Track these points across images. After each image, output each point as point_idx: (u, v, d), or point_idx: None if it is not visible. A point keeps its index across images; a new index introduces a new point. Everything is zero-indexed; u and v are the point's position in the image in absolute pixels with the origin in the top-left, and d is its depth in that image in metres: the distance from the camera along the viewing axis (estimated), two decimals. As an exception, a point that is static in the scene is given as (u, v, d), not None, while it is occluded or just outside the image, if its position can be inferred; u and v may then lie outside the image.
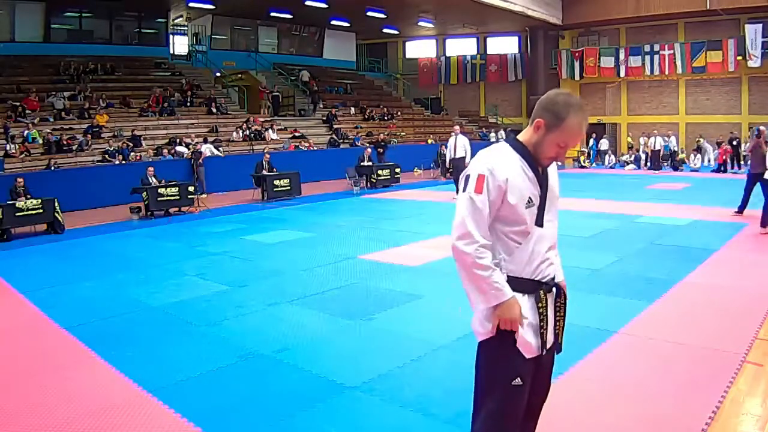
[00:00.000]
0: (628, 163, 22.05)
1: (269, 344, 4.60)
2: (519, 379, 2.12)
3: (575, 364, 4.01)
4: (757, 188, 9.24)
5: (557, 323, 2.24)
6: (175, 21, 24.09)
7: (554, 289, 2.22)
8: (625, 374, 3.87)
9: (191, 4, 21.41)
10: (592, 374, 3.90)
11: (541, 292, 2.16)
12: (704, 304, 5.32)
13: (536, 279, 2.16)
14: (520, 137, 2.20)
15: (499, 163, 2.11)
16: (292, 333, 4.86)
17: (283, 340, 4.70)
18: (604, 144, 23.92)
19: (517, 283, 2.12)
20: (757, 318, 4.80)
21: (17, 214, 10.12)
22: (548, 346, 2.18)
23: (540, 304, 2.15)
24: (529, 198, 2.12)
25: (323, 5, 21.56)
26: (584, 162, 23.04)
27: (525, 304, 2.13)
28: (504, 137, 2.26)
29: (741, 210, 10.03)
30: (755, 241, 8.04)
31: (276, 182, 14.24)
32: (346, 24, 26.70)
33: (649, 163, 21.26)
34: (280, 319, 5.24)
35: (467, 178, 2.11)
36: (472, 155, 15.72)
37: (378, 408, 3.53)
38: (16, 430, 3.36)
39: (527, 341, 2.13)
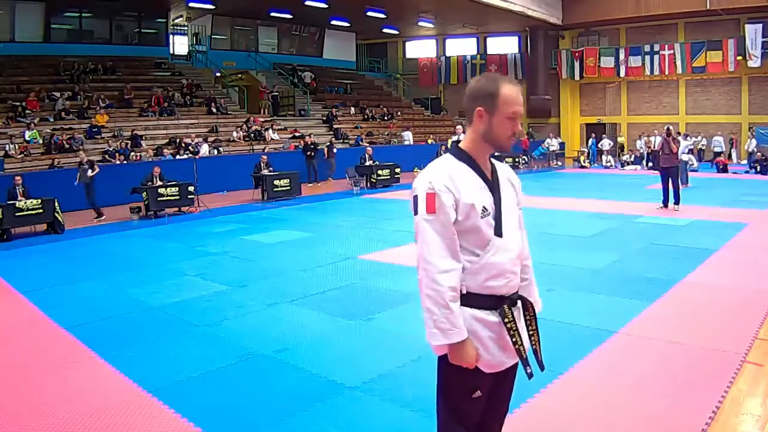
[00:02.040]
0: (628, 164, 22.04)
1: (269, 344, 4.60)
2: (479, 392, 2.07)
3: (575, 364, 4.02)
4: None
5: (531, 338, 2.13)
6: (175, 21, 24.09)
7: (519, 302, 2.10)
8: (625, 374, 3.87)
9: (191, 4, 21.41)
10: (592, 374, 3.90)
11: (505, 306, 2.03)
12: (704, 304, 5.32)
13: (497, 294, 2.02)
14: (463, 144, 2.10)
15: (447, 176, 1.99)
16: (292, 333, 4.86)
17: (283, 340, 4.70)
18: (605, 144, 23.90)
19: (476, 300, 2.00)
20: (757, 318, 4.80)
21: (17, 214, 10.11)
22: (523, 357, 2.07)
23: (507, 319, 2.02)
24: (483, 207, 2.00)
25: (323, 5, 21.56)
26: (584, 162, 23.04)
27: (490, 319, 2.02)
28: (448, 149, 2.15)
29: (665, 204, 10.88)
30: (755, 241, 8.04)
31: (276, 182, 14.24)
32: (346, 24, 26.70)
33: (650, 163, 21.26)
34: (280, 319, 5.24)
35: (415, 198, 1.98)
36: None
37: (378, 408, 3.53)
38: (16, 430, 3.36)
39: (488, 359, 2.03)
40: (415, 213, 1.99)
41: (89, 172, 11.83)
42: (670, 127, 11.17)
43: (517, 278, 2.11)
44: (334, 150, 18.74)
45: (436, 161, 2.10)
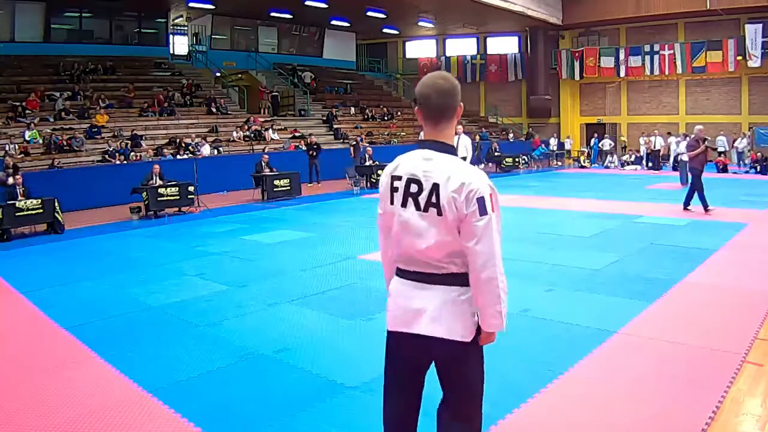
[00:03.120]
0: (628, 164, 22.06)
1: (269, 344, 4.60)
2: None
3: (575, 364, 4.01)
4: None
5: None
6: (175, 21, 24.09)
7: None
8: (625, 374, 3.87)
9: (191, 4, 21.42)
10: (592, 374, 3.90)
11: None
12: (704, 304, 5.32)
13: None
14: (450, 141, 2.18)
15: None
16: (292, 333, 4.86)
17: (283, 340, 4.70)
18: (606, 144, 23.89)
19: None
20: (757, 318, 4.80)
21: (17, 214, 10.10)
22: None
23: None
24: None
25: (323, 5, 21.56)
26: (584, 162, 23.04)
27: None
28: (434, 148, 2.14)
29: (688, 202, 10.65)
30: (755, 241, 8.04)
31: (276, 182, 14.25)
32: (346, 24, 26.71)
33: (650, 163, 21.29)
34: (280, 319, 5.24)
35: (482, 200, 2.04)
36: (473, 156, 15.79)
37: (378, 408, 3.52)
38: (15, 430, 3.36)
39: None
40: (483, 213, 2.05)
41: (9, 180, 11.36)
42: (701, 131, 10.65)
43: None
44: (360, 148, 18.77)
45: (462, 162, 2.16)
